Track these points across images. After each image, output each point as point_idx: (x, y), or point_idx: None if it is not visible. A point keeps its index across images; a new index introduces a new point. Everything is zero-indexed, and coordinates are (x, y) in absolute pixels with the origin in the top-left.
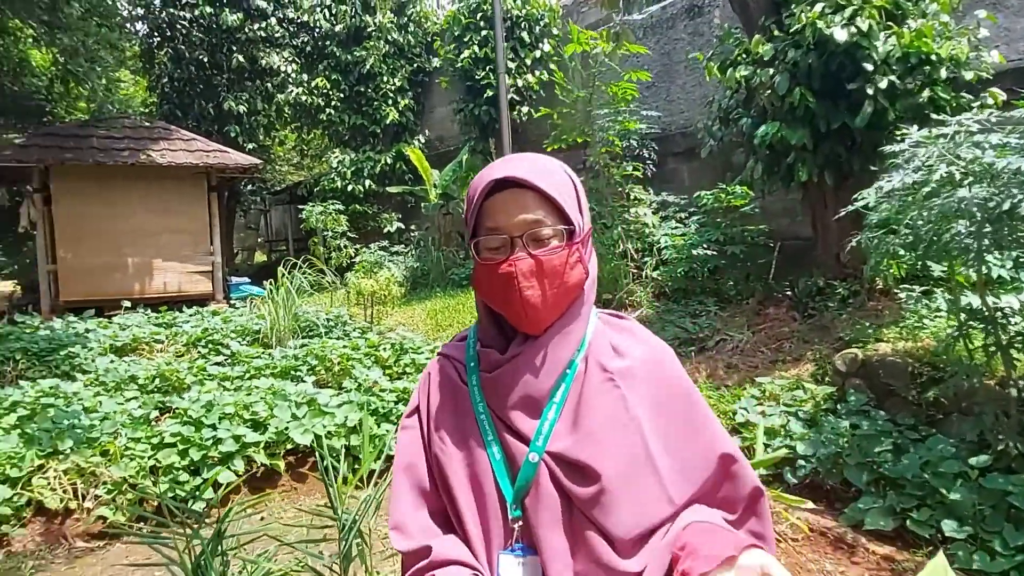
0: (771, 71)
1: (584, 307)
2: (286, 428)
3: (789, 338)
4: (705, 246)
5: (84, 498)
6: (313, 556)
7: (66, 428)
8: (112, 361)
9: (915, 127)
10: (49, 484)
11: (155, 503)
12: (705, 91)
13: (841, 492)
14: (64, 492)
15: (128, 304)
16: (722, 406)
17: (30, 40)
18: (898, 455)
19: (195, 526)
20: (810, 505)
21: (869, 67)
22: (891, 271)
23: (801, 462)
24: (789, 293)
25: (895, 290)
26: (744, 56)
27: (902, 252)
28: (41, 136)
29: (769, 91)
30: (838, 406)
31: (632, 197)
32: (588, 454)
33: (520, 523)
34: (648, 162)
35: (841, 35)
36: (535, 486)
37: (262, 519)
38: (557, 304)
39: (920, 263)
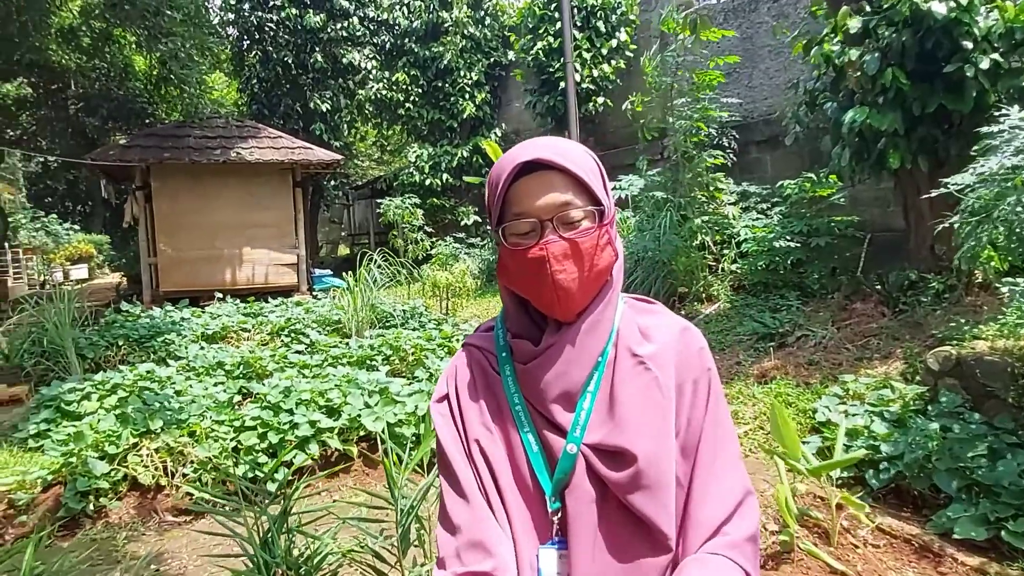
0: (860, 50)
1: (613, 292)
2: (358, 415)
3: (877, 334)
4: (788, 238)
5: (173, 475)
6: (372, 536)
7: (158, 409)
8: (202, 348)
9: (1016, 107)
10: (142, 461)
11: (243, 481)
12: (789, 76)
13: (929, 498)
14: (156, 469)
15: (219, 294)
16: (801, 404)
17: (132, 47)
18: (994, 461)
19: (264, 505)
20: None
21: (968, 45)
22: (992, 263)
23: (885, 465)
24: (878, 287)
25: (996, 284)
26: (832, 36)
27: (1000, 240)
28: (142, 137)
29: (859, 72)
30: (928, 407)
31: (712, 188)
32: (624, 439)
33: (559, 516)
34: (728, 151)
35: (940, 8)
36: (573, 478)
37: (335, 502)
38: (589, 288)
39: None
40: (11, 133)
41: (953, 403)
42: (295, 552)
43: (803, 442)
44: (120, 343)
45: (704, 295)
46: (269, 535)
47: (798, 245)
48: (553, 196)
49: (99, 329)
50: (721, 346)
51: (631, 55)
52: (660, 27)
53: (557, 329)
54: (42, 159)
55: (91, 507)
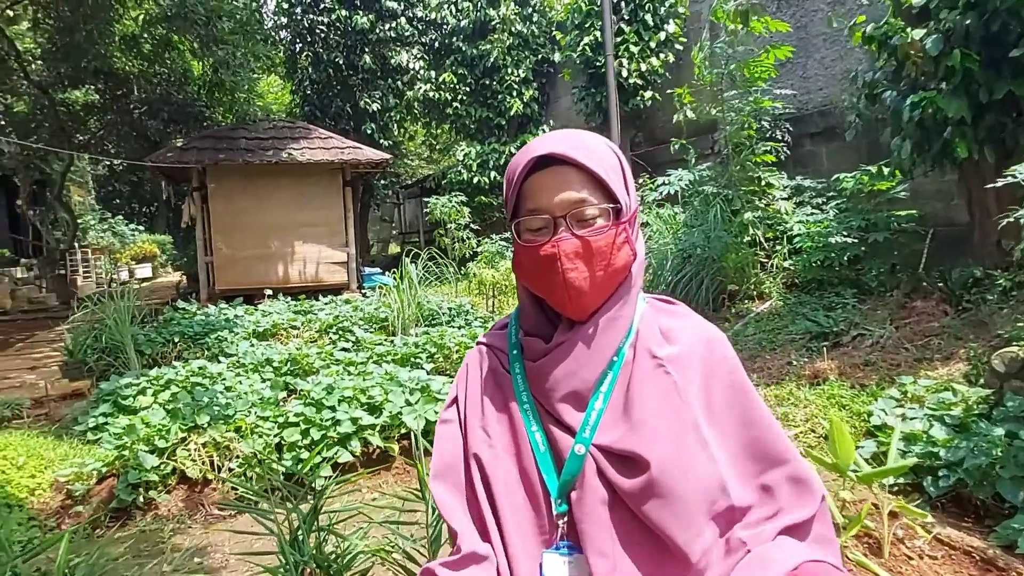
0: (922, 32)
1: (632, 291)
2: (399, 412)
3: (938, 334)
4: (844, 233)
5: (219, 469)
6: (402, 537)
7: (205, 405)
8: (252, 345)
9: None
10: (190, 455)
11: (279, 478)
12: (846, 65)
13: (992, 508)
14: (203, 463)
15: (271, 292)
16: (855, 407)
17: (189, 53)
18: None
19: (296, 502)
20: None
21: None
22: None
23: (944, 472)
24: (940, 284)
25: None
26: (892, 21)
27: None
28: (198, 139)
29: (920, 55)
30: (993, 411)
31: (764, 182)
32: (637, 444)
33: (565, 519)
34: (782, 144)
35: None
36: (581, 480)
37: (363, 503)
38: (603, 287)
39: None
40: (80, 138)
41: (1020, 407)
42: (327, 550)
43: (856, 447)
44: (176, 340)
45: (755, 293)
46: (299, 533)
47: (855, 241)
48: (568, 193)
49: (157, 326)
50: (772, 346)
51: (680, 48)
52: (710, 18)
53: (570, 327)
54: (109, 162)
55: (141, 499)
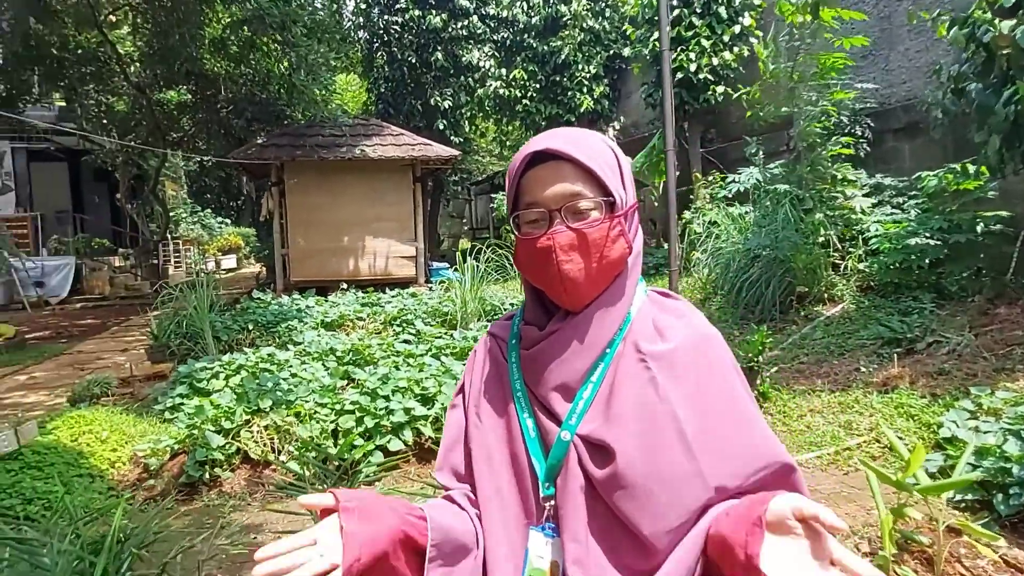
0: (1012, 22)
1: (628, 284)
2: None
3: (1021, 343)
4: (926, 234)
5: (279, 452)
6: None
7: (269, 390)
8: (319, 335)
9: None
10: (253, 437)
11: (335, 463)
12: (932, 57)
13: None
14: (264, 445)
15: (344, 285)
16: (925, 417)
17: (271, 55)
18: None
19: (329, 484)
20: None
21: None
22: None
23: (1017, 490)
24: None
25: None
26: (979, 14)
27: None
28: (277, 136)
29: (1008, 48)
30: None
31: (839, 179)
32: (609, 435)
33: (552, 502)
34: (861, 140)
35: None
36: (566, 466)
37: (421, 488)
38: (598, 279)
39: None
40: (173, 135)
41: None
42: None
43: (926, 459)
44: (250, 327)
45: (826, 295)
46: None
47: (937, 243)
48: (562, 186)
49: (234, 314)
50: (840, 351)
51: (756, 41)
52: (775, 12)
53: (564, 317)
54: (199, 158)
55: (208, 476)
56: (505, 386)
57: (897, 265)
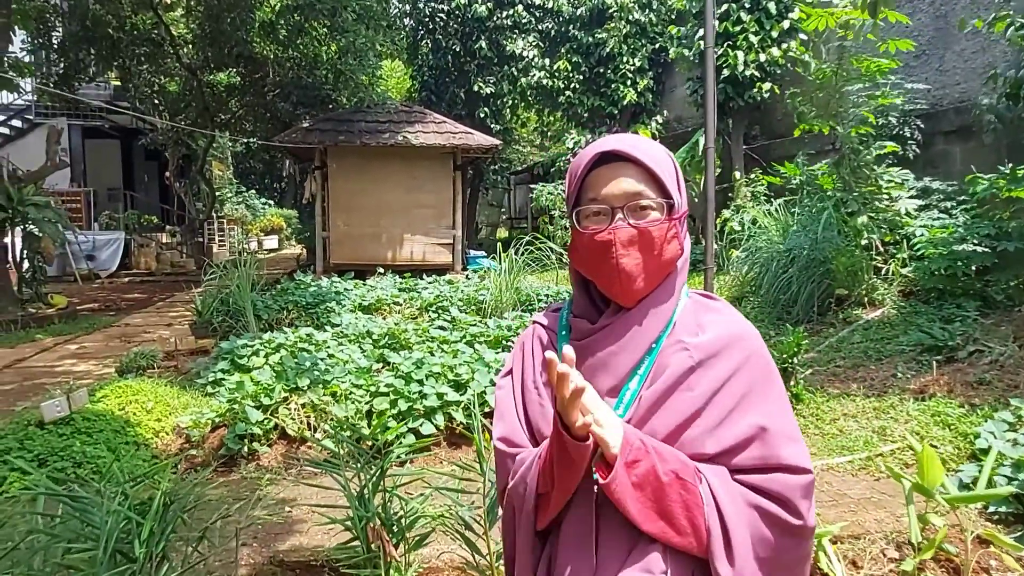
0: None
1: (676, 284)
2: (484, 392)
3: None
4: (974, 241)
5: (315, 429)
6: (458, 504)
7: (307, 369)
8: (356, 317)
9: None
10: (290, 414)
11: (369, 443)
12: (988, 59)
13: None
14: (301, 423)
15: (381, 269)
16: (961, 427)
17: (319, 40)
18: None
19: (361, 463)
20: None
21: None
22: None
23: None
24: None
25: None
26: None
27: None
28: (321, 121)
29: None
30: None
31: (884, 182)
32: (653, 426)
33: (596, 487)
34: (910, 142)
35: None
36: None
37: (441, 475)
38: (651, 276)
39: None
40: (222, 117)
41: None
42: (392, 510)
43: (957, 469)
44: (290, 308)
45: (866, 299)
46: (365, 491)
47: (985, 250)
48: (627, 184)
49: (275, 294)
50: (878, 356)
51: (805, 38)
52: (813, 19)
53: (616, 312)
54: (245, 140)
55: (246, 449)
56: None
57: (942, 271)
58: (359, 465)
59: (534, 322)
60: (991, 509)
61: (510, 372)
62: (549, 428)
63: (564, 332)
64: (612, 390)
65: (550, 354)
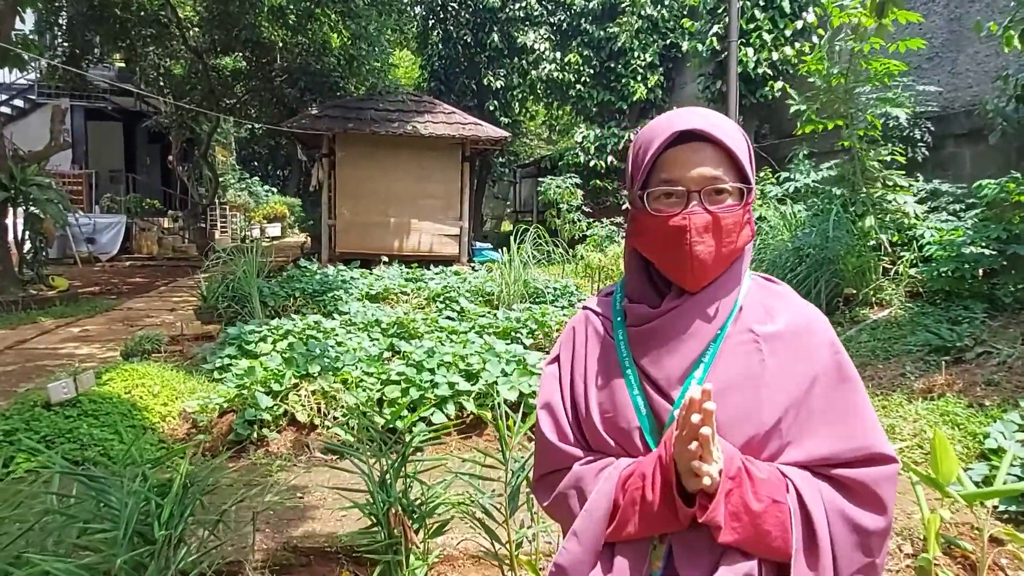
0: None
1: (742, 268)
2: (495, 382)
3: None
4: (982, 244)
5: (325, 416)
6: (479, 491)
7: (317, 356)
8: (364, 306)
9: None
10: (300, 401)
11: (381, 429)
12: (1002, 62)
13: None
14: (311, 409)
15: (387, 259)
16: (970, 426)
17: (330, 25)
18: None
19: (385, 450)
20: None
21: None
22: None
23: None
24: None
25: None
26: None
27: None
28: (330, 108)
29: None
30: None
31: (892, 184)
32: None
33: None
34: (920, 144)
35: None
36: None
37: (463, 461)
38: (722, 263)
39: None
40: (227, 101)
41: None
42: (412, 496)
43: (967, 468)
44: (296, 295)
45: (874, 299)
46: (387, 476)
47: (993, 253)
48: (705, 169)
49: (280, 281)
50: (886, 355)
51: (819, 39)
52: (831, 17)
53: (678, 296)
54: (250, 125)
55: (255, 435)
56: (611, 364)
57: (950, 273)
58: (380, 451)
59: (584, 307)
60: (1001, 508)
61: (556, 359)
62: (599, 425)
63: (620, 319)
64: (677, 377)
65: (695, 391)
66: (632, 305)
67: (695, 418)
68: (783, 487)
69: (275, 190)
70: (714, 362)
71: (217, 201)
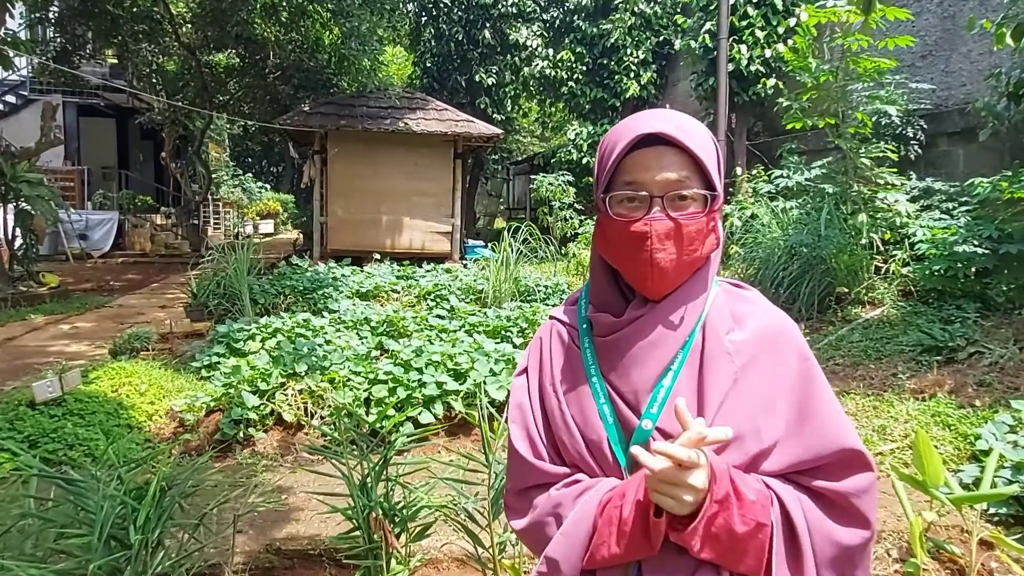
0: None
1: (707, 275)
2: (483, 381)
3: None
4: (974, 242)
5: (312, 416)
6: (463, 495)
7: (304, 355)
8: (354, 304)
9: None
10: (287, 400)
11: (366, 430)
12: (995, 61)
13: None
14: (298, 409)
15: (379, 256)
16: (961, 428)
17: (321, 23)
18: None
19: (365, 451)
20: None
21: None
22: None
23: None
24: None
25: None
26: None
27: None
28: (322, 105)
29: None
30: None
31: (884, 182)
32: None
33: None
34: (912, 143)
35: None
36: None
37: (450, 462)
38: (685, 271)
39: None
40: (220, 98)
41: None
42: (394, 500)
43: (957, 470)
44: (287, 292)
45: (866, 298)
46: (368, 479)
47: (986, 252)
48: (668, 173)
49: (271, 279)
50: (878, 355)
51: (812, 36)
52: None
53: (643, 304)
54: (243, 122)
55: (242, 435)
56: (578, 374)
57: (942, 272)
58: (361, 453)
59: (551, 317)
60: (991, 511)
61: (525, 371)
62: (568, 438)
63: (585, 327)
64: (644, 387)
65: (698, 430)
66: (597, 315)
67: (658, 462)
68: (768, 506)
69: (268, 187)
70: (694, 379)
71: (210, 198)
